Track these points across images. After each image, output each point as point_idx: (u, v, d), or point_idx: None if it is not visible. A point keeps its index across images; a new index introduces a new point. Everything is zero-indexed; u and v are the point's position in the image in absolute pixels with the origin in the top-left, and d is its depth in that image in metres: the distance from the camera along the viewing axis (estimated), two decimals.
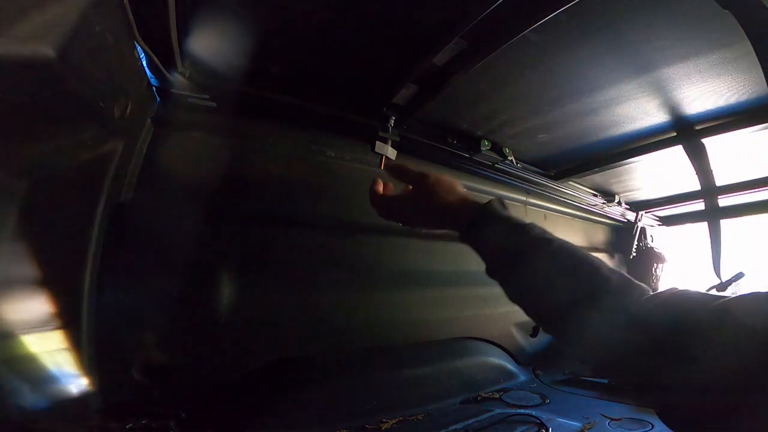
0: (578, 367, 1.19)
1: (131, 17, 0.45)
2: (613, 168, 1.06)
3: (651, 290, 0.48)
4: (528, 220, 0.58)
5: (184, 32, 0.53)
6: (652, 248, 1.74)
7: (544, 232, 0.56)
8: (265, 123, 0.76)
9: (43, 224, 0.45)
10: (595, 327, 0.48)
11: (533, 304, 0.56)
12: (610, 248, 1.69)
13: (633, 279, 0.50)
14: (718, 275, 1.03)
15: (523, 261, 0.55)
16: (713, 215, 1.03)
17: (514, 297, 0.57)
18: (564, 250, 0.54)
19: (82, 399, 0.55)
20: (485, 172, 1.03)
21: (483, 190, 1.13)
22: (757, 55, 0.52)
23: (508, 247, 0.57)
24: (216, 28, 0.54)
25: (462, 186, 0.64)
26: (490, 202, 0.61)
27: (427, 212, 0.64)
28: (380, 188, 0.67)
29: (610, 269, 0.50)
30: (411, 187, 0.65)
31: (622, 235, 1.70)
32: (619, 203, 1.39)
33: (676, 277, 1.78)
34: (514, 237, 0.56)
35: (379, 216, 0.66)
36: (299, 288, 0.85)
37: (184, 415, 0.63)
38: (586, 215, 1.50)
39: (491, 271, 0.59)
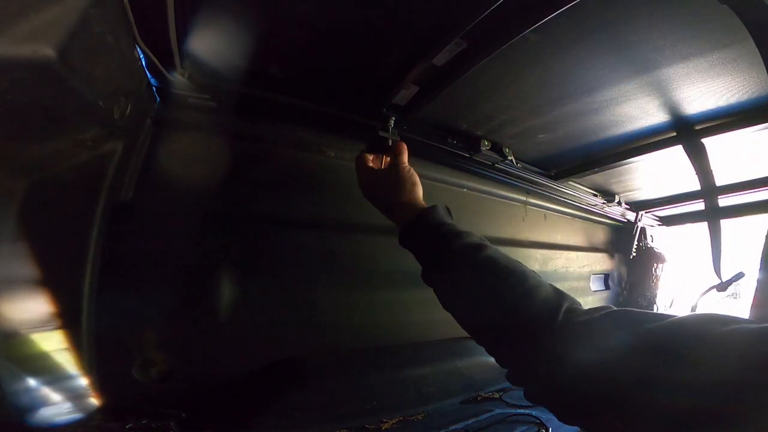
0: None
1: (131, 17, 0.45)
2: (613, 168, 1.06)
3: (578, 303, 0.46)
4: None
5: (183, 32, 0.53)
6: (652, 248, 1.74)
7: (475, 242, 0.54)
8: (265, 123, 0.76)
9: (43, 224, 0.45)
10: (517, 346, 0.46)
11: (455, 314, 0.54)
12: (610, 248, 1.69)
13: (563, 293, 0.47)
14: (718, 275, 1.03)
15: (450, 269, 0.54)
16: (713, 215, 1.02)
17: (444, 305, 0.55)
18: (489, 260, 0.51)
19: (82, 399, 0.56)
20: (485, 172, 1.03)
21: (483, 190, 1.13)
22: (757, 46, 0.51)
23: (437, 254, 0.56)
24: (216, 28, 0.54)
25: (419, 190, 0.66)
26: (431, 207, 0.60)
27: (385, 198, 0.66)
28: (368, 160, 0.72)
29: (536, 285, 0.47)
30: (386, 166, 0.69)
31: (622, 235, 1.70)
32: (619, 203, 1.39)
33: (676, 277, 1.78)
34: (443, 244, 0.55)
35: (360, 185, 0.70)
36: (299, 288, 0.85)
37: (184, 415, 0.63)
38: (586, 215, 1.50)
39: (423, 276, 0.58)
